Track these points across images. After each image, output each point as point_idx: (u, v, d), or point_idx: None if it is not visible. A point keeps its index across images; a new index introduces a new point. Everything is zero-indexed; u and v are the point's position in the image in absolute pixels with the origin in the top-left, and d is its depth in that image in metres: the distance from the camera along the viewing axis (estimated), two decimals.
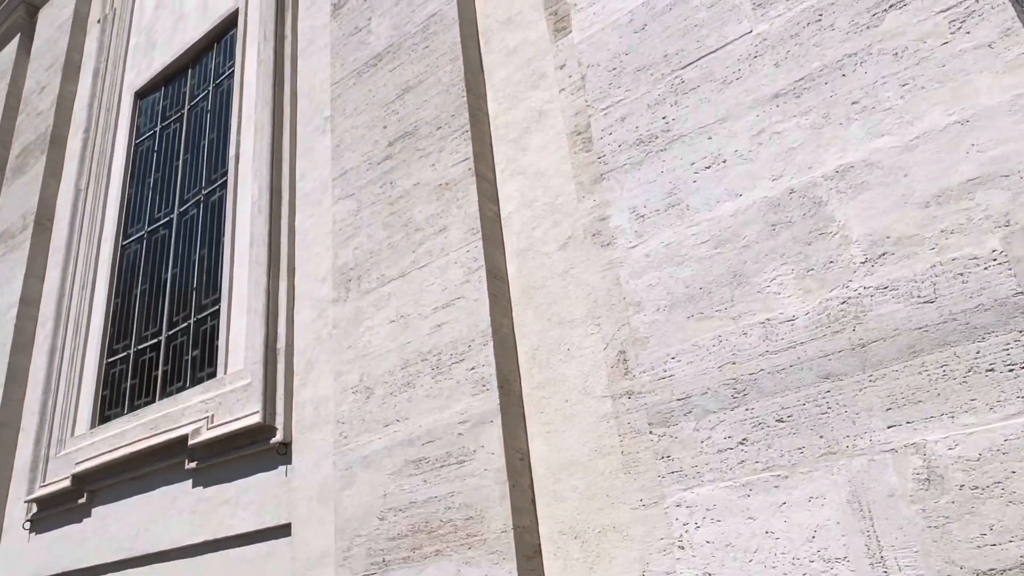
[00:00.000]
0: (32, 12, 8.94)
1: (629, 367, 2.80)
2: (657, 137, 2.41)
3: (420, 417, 3.33)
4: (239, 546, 4.12)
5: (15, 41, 8.97)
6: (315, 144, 4.75)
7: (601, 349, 2.97)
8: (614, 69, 2.60)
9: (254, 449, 4.19)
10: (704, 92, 2.35)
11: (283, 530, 3.94)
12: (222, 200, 5.37)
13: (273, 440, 4.09)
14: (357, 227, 3.98)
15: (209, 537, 4.25)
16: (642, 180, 2.39)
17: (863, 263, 1.95)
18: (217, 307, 4.98)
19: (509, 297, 3.43)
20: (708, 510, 1.96)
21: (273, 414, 4.15)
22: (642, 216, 2.37)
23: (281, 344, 4.31)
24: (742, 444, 1.97)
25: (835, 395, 1.91)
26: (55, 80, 7.67)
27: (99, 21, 7.57)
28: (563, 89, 3.44)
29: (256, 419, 4.15)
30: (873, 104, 2.07)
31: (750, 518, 1.90)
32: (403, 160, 3.91)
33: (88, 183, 6.62)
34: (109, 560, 4.80)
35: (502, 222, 3.60)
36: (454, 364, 3.30)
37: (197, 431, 4.46)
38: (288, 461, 4.04)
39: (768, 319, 2.02)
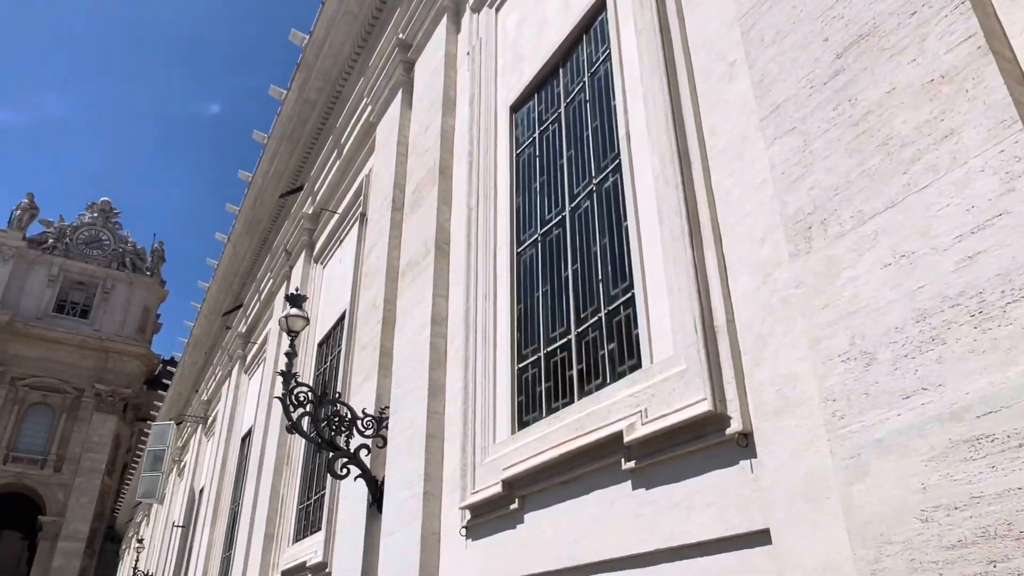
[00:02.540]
0: (409, 68, 9.88)
1: None
2: None
3: (962, 381, 2.44)
4: (700, 555, 3.54)
5: (398, 98, 10.00)
6: (722, 95, 4.15)
7: None
8: None
9: (703, 443, 3.61)
10: None
11: (757, 537, 3.28)
12: (616, 185, 5.03)
13: (729, 431, 3.47)
14: (808, 164, 3.24)
15: (661, 545, 3.76)
16: None
17: None
18: (629, 295, 4.59)
19: None
20: None
21: (723, 401, 3.54)
22: None
23: (720, 321, 3.71)
24: None
25: None
26: (436, 118, 8.25)
27: (468, 54, 7.98)
28: None
29: (704, 408, 3.58)
30: None
31: None
32: (863, 68, 3.09)
33: (477, 201, 6.86)
34: (548, 568, 4.58)
35: None
36: (1010, 304, 2.36)
37: (631, 427, 4.04)
38: (751, 454, 3.38)
39: None
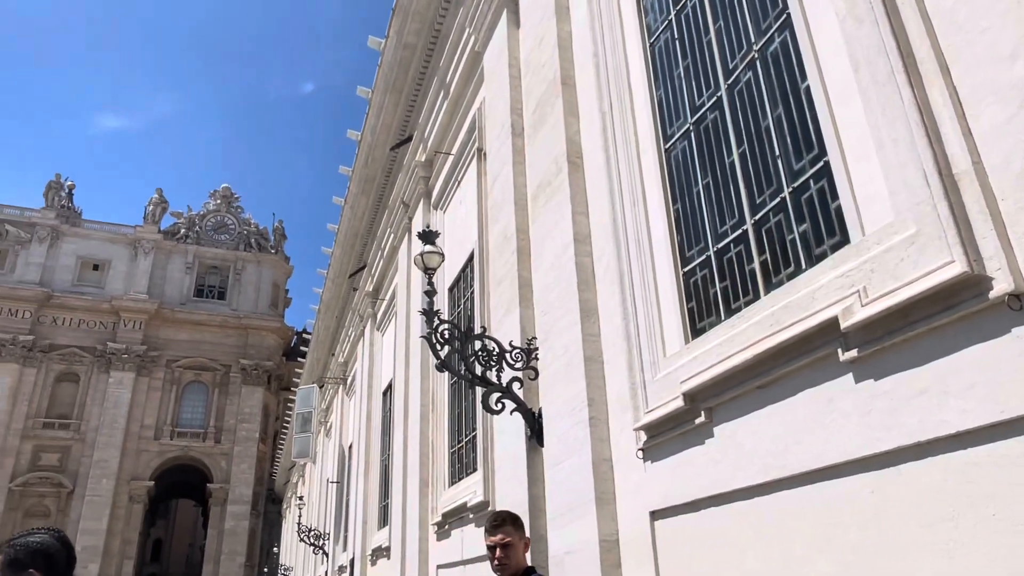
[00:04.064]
0: None
1: None
2: None
3: None
4: (962, 448, 2.95)
5: (503, 19, 9.45)
6: None
7: None
8: None
9: (955, 313, 2.98)
10: None
11: None
12: (786, 44, 4.33)
13: (993, 294, 2.83)
14: None
15: (904, 442, 3.18)
16: None
17: None
18: (821, 164, 3.93)
19: None
20: None
21: (980, 260, 2.89)
22: None
23: (961, 166, 3.03)
24: None
25: None
26: (550, 27, 7.67)
27: None
28: None
29: (953, 271, 2.94)
30: None
31: None
32: None
33: (611, 105, 6.27)
34: (753, 483, 4.10)
35: None
36: None
37: (848, 311, 3.44)
38: None
39: None
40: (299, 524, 26.95)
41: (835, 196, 3.81)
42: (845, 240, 3.71)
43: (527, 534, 4.04)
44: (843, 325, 3.44)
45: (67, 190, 56.43)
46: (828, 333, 3.58)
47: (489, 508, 8.40)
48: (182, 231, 57.99)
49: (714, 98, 5.01)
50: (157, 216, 57.10)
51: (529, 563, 3.94)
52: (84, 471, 48.06)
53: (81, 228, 54.89)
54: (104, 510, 47.13)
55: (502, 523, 3.91)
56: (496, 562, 3.82)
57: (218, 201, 60.97)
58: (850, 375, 3.50)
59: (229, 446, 52.86)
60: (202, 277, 57.42)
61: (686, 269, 5.12)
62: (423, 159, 13.63)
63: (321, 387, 28.83)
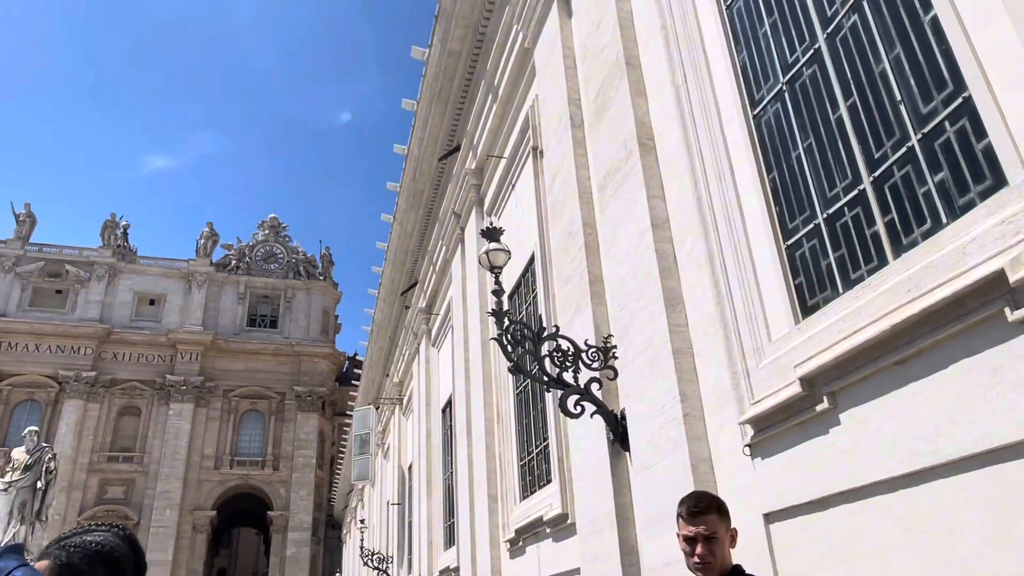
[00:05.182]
0: None
1: None
2: None
3: None
4: None
5: (553, 9, 9.11)
6: None
7: None
8: None
9: None
10: None
11: None
12: None
13: None
14: None
15: None
16: None
17: None
18: (959, 100, 3.43)
19: None
20: None
21: None
22: None
23: None
24: None
25: None
26: (608, 8, 7.28)
27: None
28: None
29: None
30: None
31: None
32: None
33: (685, 77, 5.84)
34: (897, 473, 3.57)
35: None
36: None
37: (1016, 261, 2.93)
38: None
39: None
40: (362, 547, 26.69)
41: (981, 135, 3.30)
42: (1000, 182, 3.20)
43: (732, 525, 3.12)
44: (1012, 279, 2.93)
45: (122, 229, 57.96)
46: (988, 291, 3.07)
47: (569, 520, 7.92)
48: (233, 262, 59.00)
49: (811, 51, 4.54)
50: (208, 249, 58.20)
51: (735, 561, 3.07)
52: (148, 503, 48.81)
53: (137, 264, 56.26)
54: (169, 541, 47.71)
55: (705, 509, 3.00)
56: (697, 560, 2.95)
57: (266, 231, 61.93)
58: (1022, 338, 2.98)
59: (287, 473, 53.17)
60: (254, 307, 58.22)
61: (789, 242, 4.62)
62: (473, 166, 13.33)
63: (376, 408, 28.67)
